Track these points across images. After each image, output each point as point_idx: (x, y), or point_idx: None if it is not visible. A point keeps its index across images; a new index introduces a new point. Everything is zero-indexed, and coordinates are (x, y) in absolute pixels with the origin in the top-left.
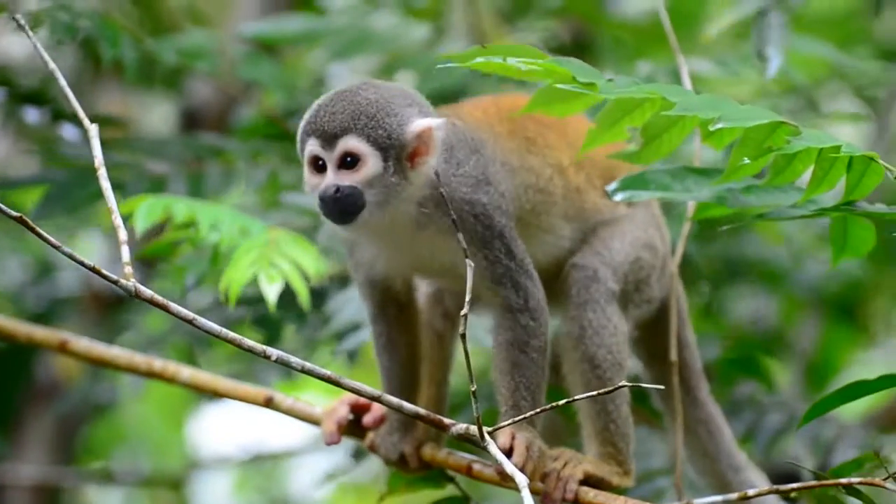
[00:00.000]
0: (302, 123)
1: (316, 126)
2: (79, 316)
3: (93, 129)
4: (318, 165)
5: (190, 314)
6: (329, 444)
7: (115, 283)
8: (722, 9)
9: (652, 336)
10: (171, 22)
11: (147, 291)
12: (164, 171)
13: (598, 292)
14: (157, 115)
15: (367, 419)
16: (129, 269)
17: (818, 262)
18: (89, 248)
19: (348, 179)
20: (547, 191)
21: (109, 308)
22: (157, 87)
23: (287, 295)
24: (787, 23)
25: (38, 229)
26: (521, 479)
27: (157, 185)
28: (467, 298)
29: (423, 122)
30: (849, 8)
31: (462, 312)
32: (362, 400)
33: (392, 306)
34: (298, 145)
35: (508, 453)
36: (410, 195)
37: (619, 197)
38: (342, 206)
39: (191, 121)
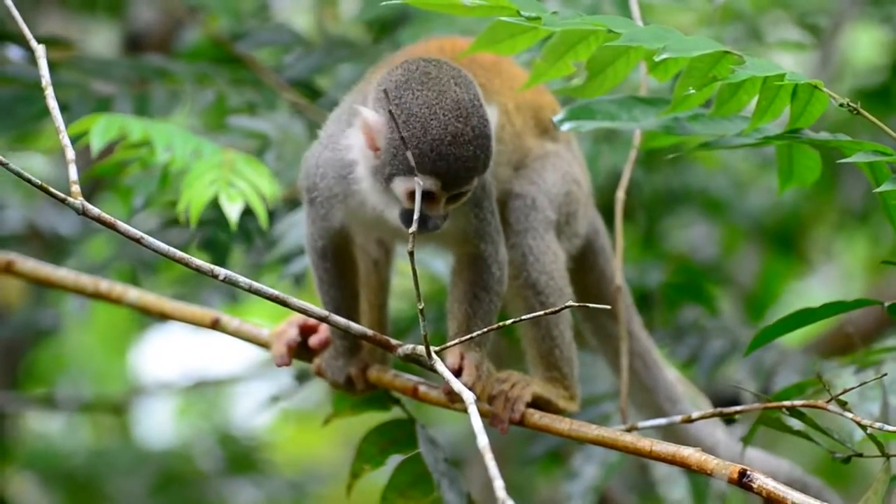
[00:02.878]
0: (420, 142)
1: (445, 170)
2: (21, 248)
3: (39, 50)
4: (428, 194)
5: (137, 232)
6: (280, 365)
7: (63, 200)
8: None
9: (579, 273)
10: None
11: (94, 209)
12: (109, 92)
13: (536, 220)
14: (99, 40)
15: (314, 340)
16: (76, 188)
17: (759, 191)
18: (33, 173)
19: (452, 206)
20: (501, 139)
21: (51, 246)
22: (100, 11)
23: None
24: None
25: None
26: (469, 396)
27: (103, 106)
28: (415, 216)
29: (494, 120)
30: None
31: (410, 230)
32: (310, 321)
33: (342, 244)
34: (399, 160)
35: (457, 373)
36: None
37: (565, 126)
38: (433, 228)
39: (134, 44)
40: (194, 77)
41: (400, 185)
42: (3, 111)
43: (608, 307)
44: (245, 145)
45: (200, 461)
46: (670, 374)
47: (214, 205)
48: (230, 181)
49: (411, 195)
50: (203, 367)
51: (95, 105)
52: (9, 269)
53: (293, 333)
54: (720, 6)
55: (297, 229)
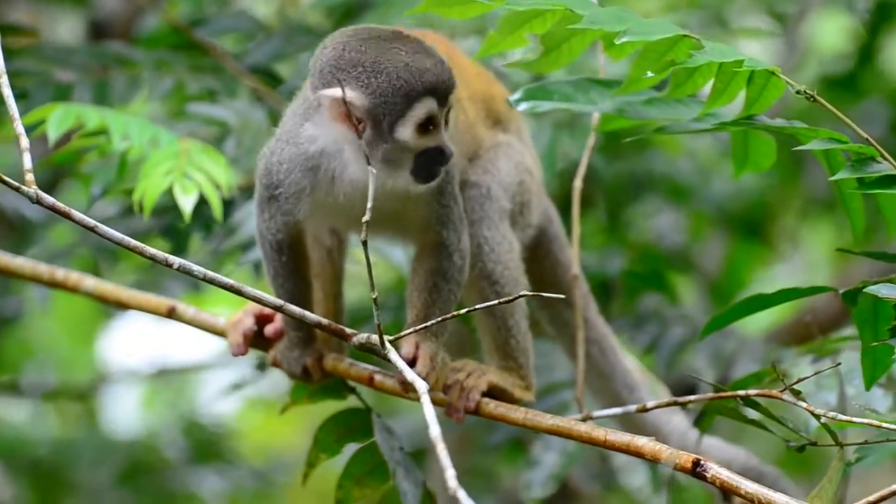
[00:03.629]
0: (402, 79)
1: (436, 84)
2: None
3: None
4: (424, 127)
5: (91, 221)
6: (236, 354)
7: (17, 189)
8: None
9: (534, 262)
10: None
11: (48, 198)
12: (69, 80)
13: (492, 209)
14: (65, 28)
15: (269, 329)
16: (30, 177)
17: (724, 178)
18: None
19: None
20: (457, 127)
21: (14, 229)
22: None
23: (195, 205)
24: None
25: None
26: (422, 386)
27: (62, 94)
28: (369, 205)
29: None
30: None
31: (364, 219)
32: (266, 310)
33: (298, 236)
34: (393, 104)
35: (412, 363)
36: None
37: (522, 107)
38: (451, 154)
39: (98, 32)
40: (154, 64)
41: (406, 128)
42: None
43: (562, 296)
44: (205, 132)
45: (166, 450)
46: (628, 362)
47: (172, 192)
48: (185, 172)
49: (419, 128)
50: (169, 355)
51: (55, 93)
52: None
53: (249, 323)
54: None
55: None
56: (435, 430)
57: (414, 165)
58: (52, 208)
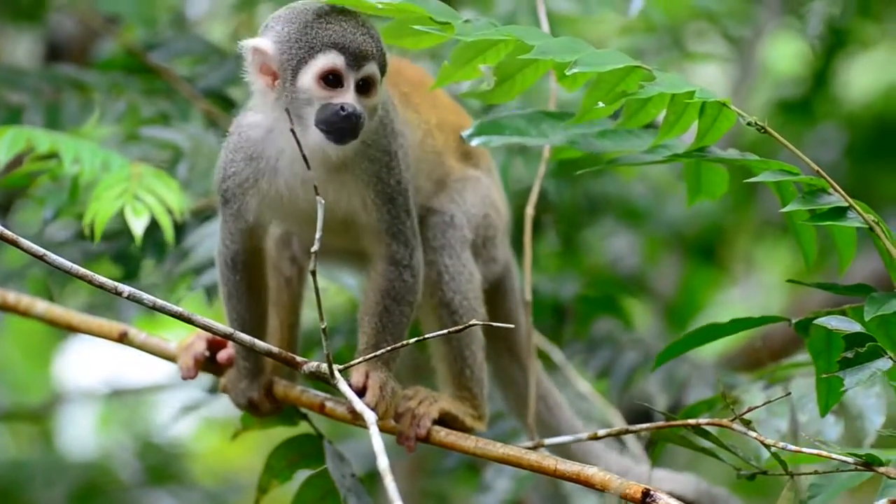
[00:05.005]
0: (311, 30)
1: (344, 42)
2: None
3: None
4: (330, 80)
5: (40, 250)
6: (185, 378)
7: None
8: None
9: (487, 307)
10: None
11: None
12: (21, 102)
13: (454, 238)
14: (22, 49)
15: (222, 355)
16: None
17: (679, 201)
18: None
19: (362, 104)
20: (423, 149)
21: None
22: (22, 20)
23: (147, 229)
24: None
25: None
26: (370, 417)
27: (14, 116)
28: (318, 235)
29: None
30: None
31: (312, 249)
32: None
33: (254, 254)
34: (291, 52)
35: (361, 392)
36: (369, 128)
37: (475, 141)
38: (352, 127)
39: (54, 54)
40: (107, 87)
41: (307, 75)
42: None
43: (511, 326)
44: (158, 156)
45: (121, 471)
46: (570, 415)
47: (124, 216)
48: (137, 195)
49: (322, 78)
50: (124, 376)
51: (6, 115)
52: None
53: (200, 347)
54: (634, 17)
55: (209, 241)
56: (383, 462)
57: (316, 118)
58: (1, 236)
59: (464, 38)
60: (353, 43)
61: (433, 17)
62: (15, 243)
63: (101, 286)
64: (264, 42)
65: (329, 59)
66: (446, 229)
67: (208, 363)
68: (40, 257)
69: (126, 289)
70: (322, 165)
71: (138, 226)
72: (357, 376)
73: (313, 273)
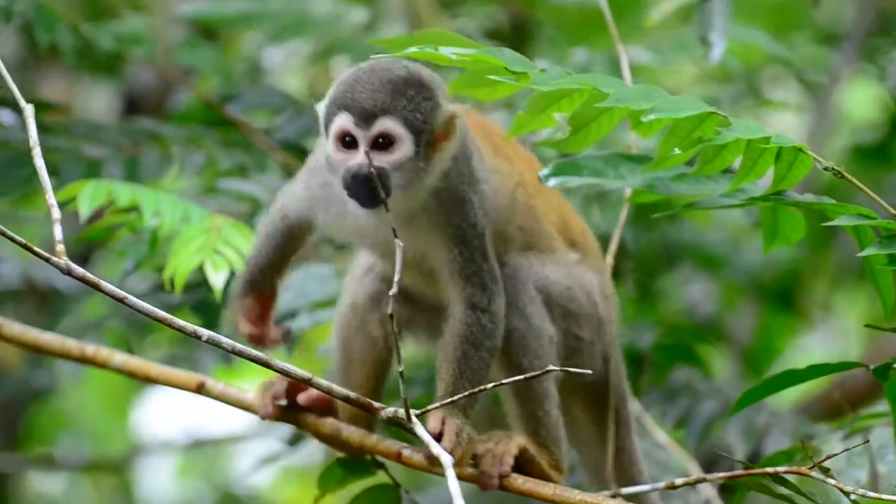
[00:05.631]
0: (331, 94)
1: (352, 101)
2: (17, 306)
3: (28, 110)
4: (346, 142)
5: (121, 293)
6: (264, 418)
7: (47, 260)
8: None
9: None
10: (108, 7)
11: (79, 269)
12: (100, 155)
13: (517, 291)
14: (100, 101)
15: (301, 397)
16: (60, 248)
17: (755, 247)
18: (32, 232)
19: (378, 160)
20: (514, 198)
21: (48, 300)
22: (100, 72)
23: (227, 279)
24: (730, 9)
25: None
26: (447, 460)
27: (93, 170)
28: (396, 278)
29: (451, 107)
30: None
31: (391, 293)
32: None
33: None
34: (323, 116)
35: (438, 438)
36: (429, 182)
37: (552, 182)
38: (371, 188)
39: (132, 106)
40: (185, 140)
41: (329, 140)
42: None
43: (589, 371)
44: (236, 208)
45: None
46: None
47: (203, 269)
48: (216, 248)
49: (339, 140)
50: (204, 426)
51: (86, 168)
52: None
53: (280, 387)
54: (713, 66)
55: (289, 292)
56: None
57: (342, 183)
58: (83, 279)
59: (539, 88)
60: (360, 100)
61: (508, 68)
62: (97, 287)
63: (180, 329)
64: (321, 105)
65: (340, 121)
66: (506, 281)
67: (288, 411)
68: (121, 300)
69: (205, 332)
70: (413, 212)
71: (218, 280)
72: (433, 422)
73: (391, 316)
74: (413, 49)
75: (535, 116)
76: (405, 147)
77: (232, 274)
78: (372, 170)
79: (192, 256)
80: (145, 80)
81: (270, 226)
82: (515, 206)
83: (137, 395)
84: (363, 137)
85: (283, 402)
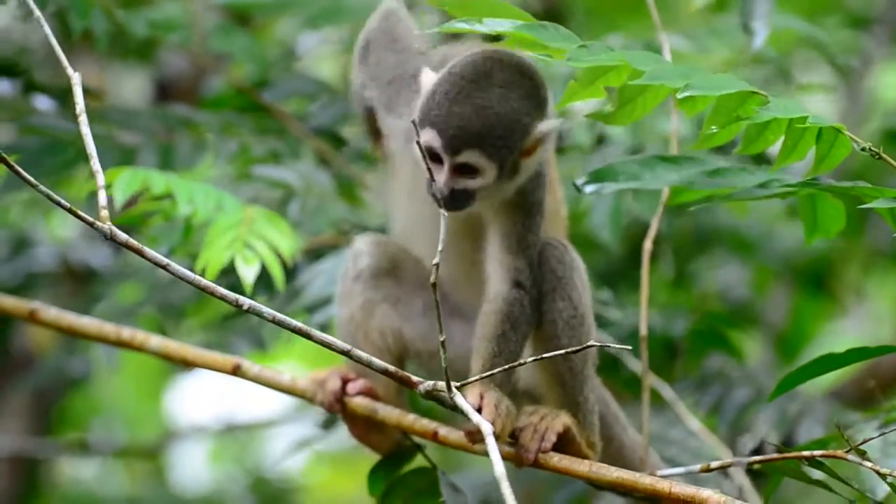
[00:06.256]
0: (424, 105)
1: (443, 125)
2: (53, 289)
3: (76, 77)
4: (433, 155)
5: (164, 259)
6: (330, 410)
7: (91, 224)
8: None
9: None
10: None
11: (122, 234)
12: (134, 142)
13: (572, 279)
14: (132, 87)
15: (352, 388)
16: (105, 213)
17: (788, 232)
18: (58, 227)
19: (463, 184)
20: (551, 177)
21: (83, 282)
22: (131, 58)
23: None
24: None
25: (19, 169)
26: (487, 428)
27: (127, 156)
28: (439, 248)
29: (543, 127)
30: None
31: (434, 261)
32: (350, 374)
33: None
34: (420, 111)
35: (477, 412)
36: (515, 184)
37: (588, 189)
38: (454, 204)
39: (164, 92)
40: (219, 127)
41: (418, 141)
42: (32, 160)
43: (629, 348)
44: (269, 195)
45: None
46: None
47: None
48: (247, 242)
49: (427, 151)
50: (236, 411)
51: (120, 156)
52: (32, 318)
53: (336, 383)
54: (755, 52)
55: (321, 279)
56: (499, 469)
57: (427, 187)
58: (126, 245)
59: (576, 64)
60: (450, 128)
61: (543, 44)
62: (140, 252)
63: (222, 297)
64: (428, 78)
65: (428, 136)
66: (554, 263)
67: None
68: (164, 267)
69: (246, 301)
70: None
71: (249, 274)
72: (472, 397)
73: (433, 285)
74: (461, 24)
75: (587, 87)
76: (488, 175)
77: (262, 267)
78: (453, 190)
79: (223, 251)
80: (176, 67)
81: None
82: (550, 205)
83: (170, 381)
84: (448, 161)
85: (341, 387)
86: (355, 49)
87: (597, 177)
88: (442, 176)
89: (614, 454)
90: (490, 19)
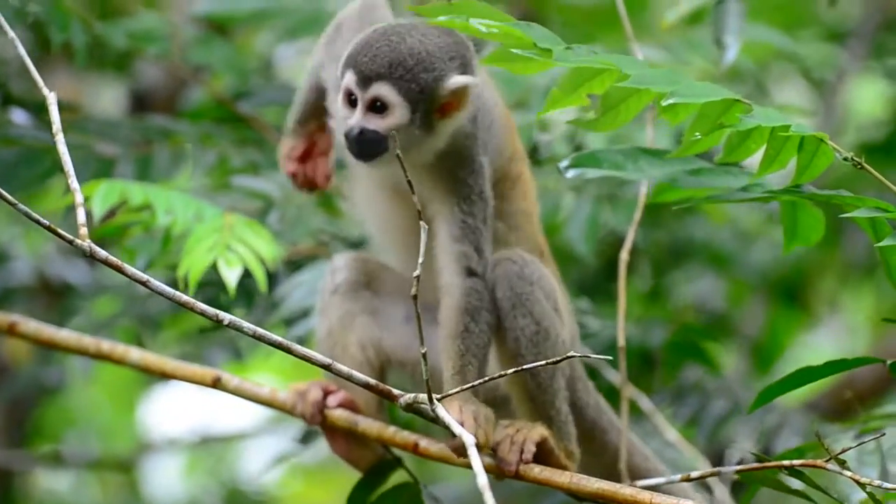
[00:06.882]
0: (346, 52)
1: (356, 62)
2: (29, 303)
3: (51, 97)
4: (351, 100)
5: (143, 276)
6: (312, 423)
7: (71, 242)
8: None
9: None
10: (121, 5)
11: (101, 252)
12: (112, 153)
13: (524, 292)
14: (107, 98)
15: (332, 400)
16: (83, 231)
17: (764, 245)
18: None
19: (374, 124)
20: (519, 173)
21: (59, 297)
22: (108, 70)
23: (238, 279)
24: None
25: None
26: (470, 440)
27: (105, 168)
28: (420, 261)
29: (459, 79)
30: None
31: (415, 274)
32: (331, 386)
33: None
34: (339, 69)
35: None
36: (432, 145)
37: (570, 173)
38: (364, 148)
39: (140, 103)
40: (198, 137)
41: (338, 97)
42: (8, 173)
43: (609, 358)
44: (249, 206)
45: None
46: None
47: (217, 267)
48: (229, 246)
49: (345, 96)
50: (211, 423)
51: (98, 167)
52: (12, 331)
53: (318, 394)
54: (728, 66)
55: (300, 291)
56: (482, 479)
57: (344, 139)
58: (105, 262)
59: (563, 64)
60: (363, 63)
61: (536, 43)
62: (120, 269)
63: (202, 313)
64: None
65: (346, 79)
66: (512, 279)
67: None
68: (144, 283)
69: (227, 316)
70: (417, 169)
71: (232, 277)
72: (452, 411)
73: (414, 298)
74: (443, 18)
75: (569, 94)
76: (398, 114)
77: (245, 271)
78: (363, 129)
79: (206, 255)
80: (153, 78)
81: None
82: (513, 194)
83: (144, 393)
84: (361, 99)
85: (322, 399)
86: (325, 30)
87: (579, 162)
88: (356, 116)
89: (610, 463)
90: (476, 19)
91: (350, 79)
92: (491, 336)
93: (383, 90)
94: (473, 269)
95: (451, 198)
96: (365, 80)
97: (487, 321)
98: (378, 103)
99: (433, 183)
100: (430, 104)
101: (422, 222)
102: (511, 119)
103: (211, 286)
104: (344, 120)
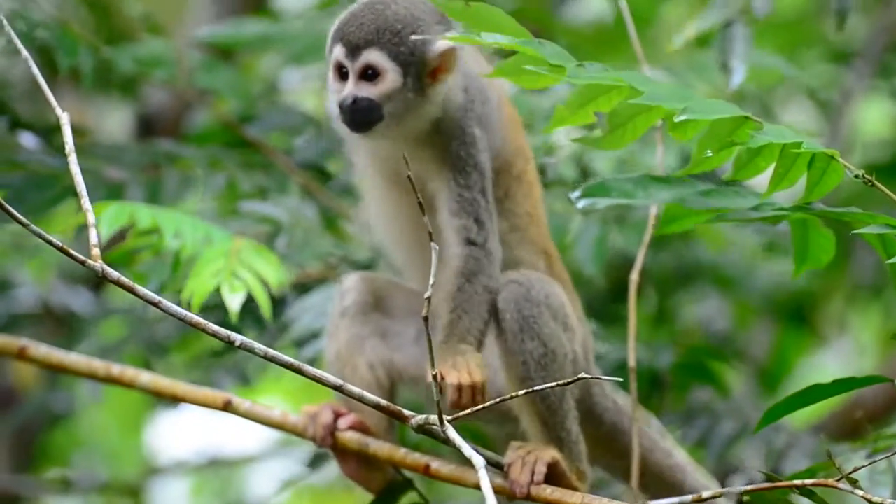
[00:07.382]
0: (332, 28)
1: (343, 34)
2: (35, 329)
3: (64, 118)
4: (342, 73)
5: (155, 297)
6: (322, 446)
7: (83, 263)
8: (682, 19)
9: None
10: (127, 30)
11: (113, 273)
12: (121, 178)
13: (533, 314)
14: (113, 122)
15: (342, 423)
16: (96, 251)
17: (767, 271)
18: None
19: (367, 91)
20: (523, 171)
21: (64, 324)
22: (114, 94)
23: (247, 302)
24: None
25: (9, 208)
26: (479, 461)
27: (115, 192)
28: (431, 282)
29: (448, 42)
30: (800, 9)
31: (426, 295)
32: (342, 409)
33: None
34: (327, 49)
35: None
36: (426, 112)
37: (581, 204)
38: (359, 117)
39: (146, 127)
40: (206, 161)
41: (329, 72)
42: (16, 197)
43: (619, 379)
44: (257, 230)
45: None
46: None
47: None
48: (234, 271)
49: (336, 70)
50: (218, 446)
51: (107, 191)
52: (22, 355)
53: (328, 417)
54: (734, 90)
55: (309, 314)
56: (492, 502)
57: (337, 112)
58: (118, 283)
59: (575, 81)
60: (350, 33)
61: (548, 61)
62: (132, 290)
63: (213, 334)
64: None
65: (335, 53)
66: (519, 302)
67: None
68: (156, 304)
69: (238, 338)
70: (415, 140)
71: (234, 302)
72: (449, 377)
73: (425, 319)
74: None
75: (576, 111)
76: (391, 78)
77: (248, 297)
78: (356, 98)
79: (210, 280)
80: (159, 101)
81: None
82: (523, 178)
83: (152, 416)
84: (352, 69)
85: (333, 421)
86: None
87: (590, 192)
88: (349, 86)
89: (651, 482)
90: (488, 33)
91: (339, 51)
92: (489, 307)
93: (373, 56)
94: (473, 240)
95: (447, 172)
96: (354, 50)
97: (486, 287)
98: (370, 71)
99: (429, 158)
100: (420, 67)
101: (433, 244)
102: (516, 114)
103: (221, 309)
104: (336, 94)
